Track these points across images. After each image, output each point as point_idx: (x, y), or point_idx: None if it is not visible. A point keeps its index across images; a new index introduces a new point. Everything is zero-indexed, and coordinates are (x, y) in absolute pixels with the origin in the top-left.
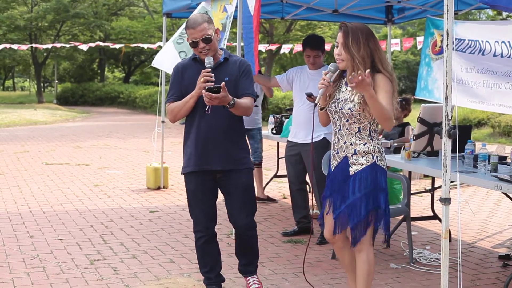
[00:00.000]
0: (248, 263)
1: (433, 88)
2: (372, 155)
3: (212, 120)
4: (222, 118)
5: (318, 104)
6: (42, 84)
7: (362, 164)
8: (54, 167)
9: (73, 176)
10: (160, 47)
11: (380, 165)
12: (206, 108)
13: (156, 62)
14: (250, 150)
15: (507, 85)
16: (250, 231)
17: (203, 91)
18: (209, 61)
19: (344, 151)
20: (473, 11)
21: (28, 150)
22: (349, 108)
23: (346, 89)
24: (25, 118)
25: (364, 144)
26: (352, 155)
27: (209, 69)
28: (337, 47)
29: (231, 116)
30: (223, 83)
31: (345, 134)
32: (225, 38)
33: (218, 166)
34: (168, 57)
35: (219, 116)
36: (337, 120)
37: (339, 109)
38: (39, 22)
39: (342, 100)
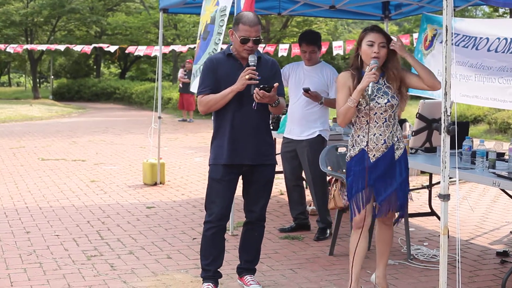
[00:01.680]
0: (251, 259)
1: None
2: (403, 140)
3: (246, 115)
4: (254, 114)
5: (353, 100)
6: (37, 80)
7: (402, 148)
8: (50, 162)
9: (70, 172)
10: (156, 56)
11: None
12: (253, 104)
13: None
14: None
15: (500, 79)
16: (261, 222)
17: (257, 88)
18: (253, 59)
19: (391, 141)
20: (469, 7)
21: (24, 146)
22: (396, 100)
23: (378, 85)
24: (21, 113)
25: (399, 130)
26: (397, 141)
27: (254, 67)
28: (372, 45)
29: (262, 113)
30: (276, 83)
31: (391, 124)
32: (219, 33)
33: (248, 160)
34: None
35: (252, 112)
36: (381, 113)
37: (385, 103)
38: (35, 18)
39: (382, 95)
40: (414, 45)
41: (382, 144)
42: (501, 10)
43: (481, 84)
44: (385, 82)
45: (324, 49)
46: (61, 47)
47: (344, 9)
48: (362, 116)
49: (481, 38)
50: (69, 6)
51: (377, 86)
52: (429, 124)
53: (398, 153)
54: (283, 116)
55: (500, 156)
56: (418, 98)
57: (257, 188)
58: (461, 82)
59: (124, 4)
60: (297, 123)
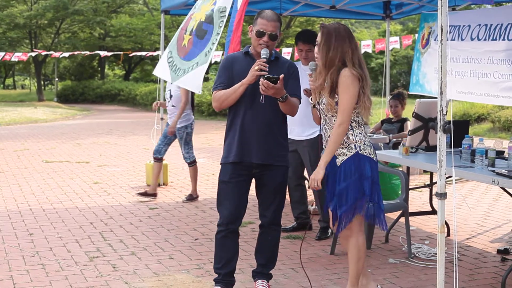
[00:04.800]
0: (264, 263)
1: (424, 82)
2: (355, 145)
3: (257, 112)
4: (266, 112)
5: (311, 102)
6: (42, 82)
7: (346, 154)
8: (54, 165)
9: (73, 174)
10: (158, 56)
11: (364, 154)
12: (261, 98)
13: (156, 70)
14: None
15: (495, 74)
16: (274, 226)
17: (262, 79)
18: (265, 52)
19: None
20: (472, 6)
21: (28, 148)
22: (324, 103)
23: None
24: (25, 116)
25: (345, 135)
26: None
27: (265, 59)
28: (317, 45)
29: (276, 112)
30: (282, 75)
31: (328, 128)
32: (218, 34)
33: (257, 159)
34: (163, 62)
35: (264, 110)
36: (321, 115)
37: (319, 106)
38: (38, 20)
39: (322, 97)
40: None
41: (325, 148)
42: None
43: (476, 80)
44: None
45: None
46: (66, 54)
47: (345, 9)
48: None
49: (463, 26)
50: (73, 8)
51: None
52: (426, 123)
53: (340, 159)
54: None
55: (499, 154)
56: (415, 97)
57: (268, 192)
58: (456, 78)
59: (128, 6)
60: (298, 123)
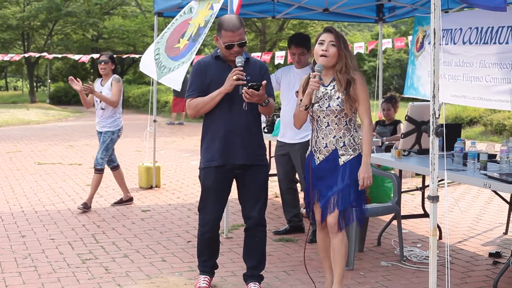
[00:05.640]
0: (254, 265)
1: (418, 86)
2: (358, 146)
3: (236, 117)
4: (244, 116)
5: (302, 104)
6: (35, 84)
7: (351, 154)
8: (46, 166)
9: (66, 176)
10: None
11: (361, 155)
12: (244, 105)
13: (141, 65)
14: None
15: (487, 77)
16: (260, 227)
17: (245, 88)
18: (240, 59)
19: (333, 145)
20: (465, 9)
21: (20, 150)
22: (338, 105)
23: (326, 88)
24: (18, 117)
25: (351, 136)
26: (341, 147)
27: (241, 68)
28: (322, 44)
29: (252, 114)
30: (264, 81)
31: (334, 129)
32: (204, 33)
33: (241, 160)
34: (149, 59)
35: (242, 114)
36: (324, 117)
37: (326, 107)
38: (31, 22)
39: (326, 99)
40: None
41: (324, 148)
42: None
43: (469, 83)
44: (334, 85)
45: None
46: (59, 55)
47: (338, 12)
48: (311, 119)
49: (455, 29)
50: (66, 9)
51: (325, 89)
52: (418, 126)
53: (343, 159)
54: (278, 119)
55: (491, 157)
56: (409, 100)
57: (252, 191)
58: (450, 82)
59: (121, 8)
60: (290, 127)
